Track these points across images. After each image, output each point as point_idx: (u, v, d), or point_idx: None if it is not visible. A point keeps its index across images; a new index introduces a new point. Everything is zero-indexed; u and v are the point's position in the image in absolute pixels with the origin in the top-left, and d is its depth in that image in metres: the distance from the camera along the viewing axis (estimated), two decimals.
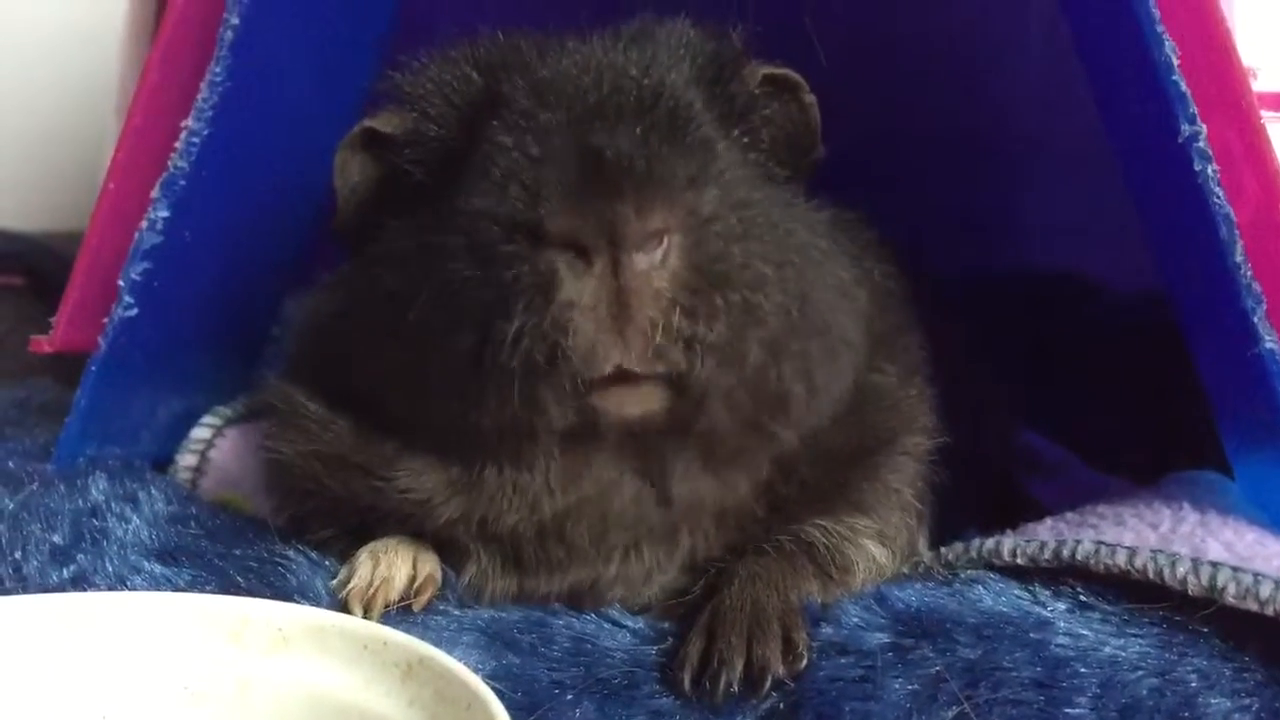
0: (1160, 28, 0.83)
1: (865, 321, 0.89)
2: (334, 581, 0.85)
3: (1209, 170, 0.83)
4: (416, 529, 0.87)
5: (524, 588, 0.87)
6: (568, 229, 0.73)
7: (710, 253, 0.76)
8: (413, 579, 0.84)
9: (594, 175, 0.73)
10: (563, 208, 0.73)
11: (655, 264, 0.74)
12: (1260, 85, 1.04)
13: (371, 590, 0.82)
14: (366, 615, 0.81)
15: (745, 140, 0.89)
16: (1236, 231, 0.83)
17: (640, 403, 0.78)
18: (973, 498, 1.06)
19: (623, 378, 0.76)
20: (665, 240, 0.74)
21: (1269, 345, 0.84)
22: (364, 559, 0.85)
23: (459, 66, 0.88)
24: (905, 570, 0.92)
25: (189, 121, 0.92)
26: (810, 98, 0.92)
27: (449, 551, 0.88)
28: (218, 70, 0.92)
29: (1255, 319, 0.84)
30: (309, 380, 0.91)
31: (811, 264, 0.83)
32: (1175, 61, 0.83)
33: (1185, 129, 0.83)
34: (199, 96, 0.92)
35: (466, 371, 0.77)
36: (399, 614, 0.82)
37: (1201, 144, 0.83)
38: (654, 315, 0.74)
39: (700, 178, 0.77)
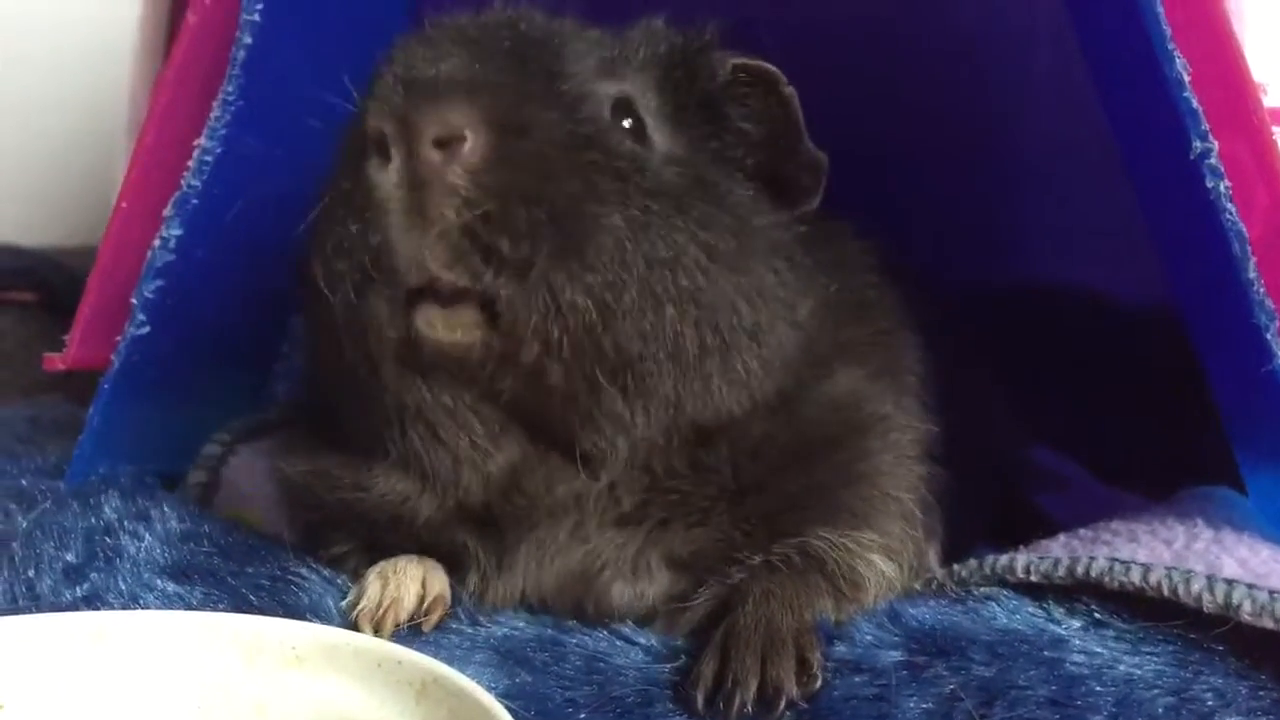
0: (1171, 45, 0.83)
1: (800, 332, 0.87)
2: (344, 602, 0.85)
3: (1221, 186, 0.83)
4: (414, 535, 0.87)
5: (526, 584, 0.87)
6: (374, 127, 0.75)
7: (518, 162, 0.75)
8: (422, 599, 0.84)
9: (403, 80, 0.76)
10: (374, 108, 0.75)
11: (448, 159, 0.74)
12: (1271, 101, 1.04)
13: (381, 611, 0.83)
14: (377, 636, 0.80)
15: (708, 131, 0.88)
16: (1249, 248, 0.83)
17: (453, 330, 0.77)
18: (983, 512, 1.06)
19: (439, 293, 0.76)
20: (468, 139, 0.74)
21: None
22: (373, 579, 0.85)
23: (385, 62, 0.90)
24: (918, 587, 0.92)
25: (202, 140, 0.93)
26: (789, 90, 0.88)
27: (453, 560, 0.88)
28: (230, 89, 0.92)
29: (1268, 335, 0.84)
30: (309, 396, 0.92)
31: (701, 239, 0.81)
32: (1187, 78, 0.83)
33: (1197, 145, 0.83)
34: (212, 115, 0.92)
35: (337, 312, 0.79)
36: (410, 634, 0.82)
37: (1213, 160, 0.83)
38: (449, 214, 0.74)
39: (532, 94, 0.77)
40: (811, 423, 0.88)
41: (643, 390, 0.80)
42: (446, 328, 0.77)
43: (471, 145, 0.74)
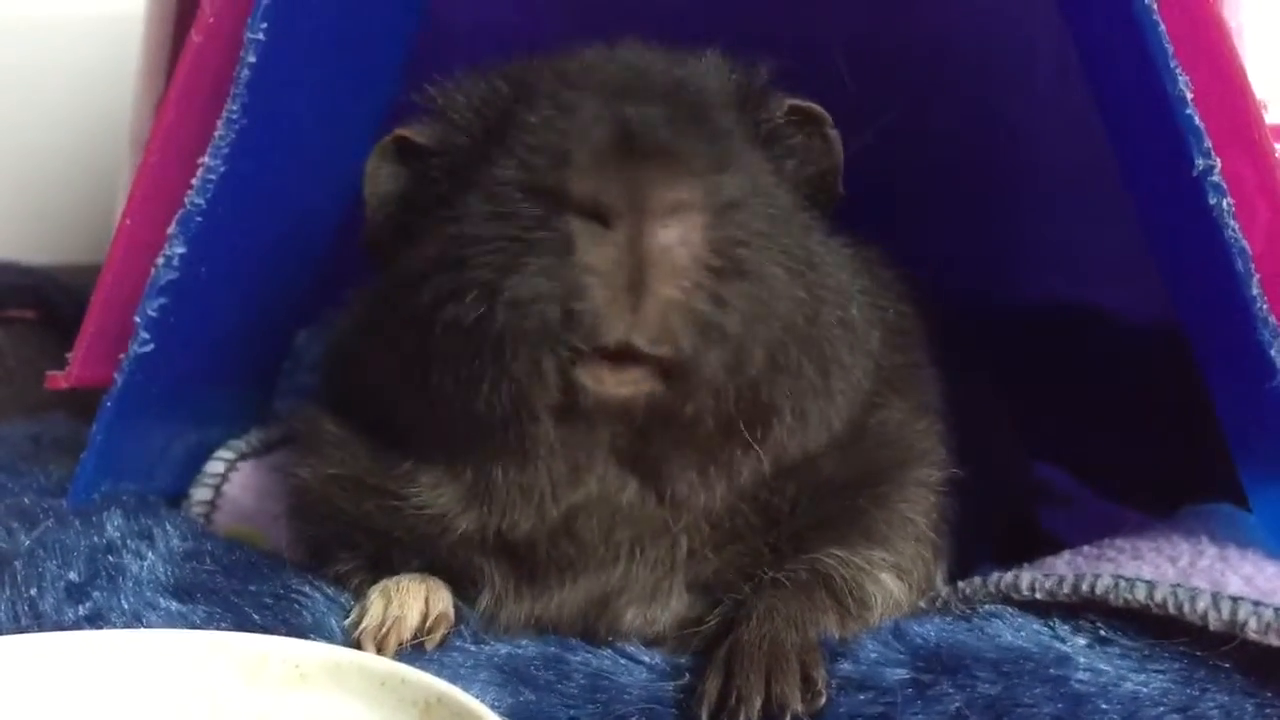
0: (1174, 62, 0.83)
1: (872, 362, 0.89)
2: (347, 621, 0.85)
3: (1224, 204, 0.83)
4: (432, 554, 0.86)
5: (537, 609, 0.86)
6: (591, 192, 0.72)
7: (733, 237, 0.75)
8: (425, 617, 0.84)
9: (621, 143, 0.73)
10: (587, 171, 0.73)
11: (676, 240, 0.73)
12: (1273, 118, 1.04)
13: (384, 629, 0.82)
14: (379, 654, 0.80)
15: (770, 166, 0.89)
16: (1252, 265, 0.83)
17: (622, 383, 0.77)
18: (987, 530, 1.06)
19: (620, 355, 0.75)
20: (688, 218, 0.74)
21: None
22: (376, 598, 0.85)
23: (489, 79, 0.90)
24: (922, 604, 0.92)
25: (206, 159, 0.93)
26: (834, 132, 0.92)
27: (463, 578, 0.87)
28: (234, 108, 0.92)
29: (1272, 352, 0.84)
30: (333, 403, 0.91)
31: (827, 289, 0.83)
32: (1189, 96, 0.83)
33: (1200, 163, 0.83)
34: (216, 134, 0.92)
35: (469, 345, 0.77)
36: (412, 653, 0.82)
37: (1216, 178, 0.83)
38: (672, 293, 0.73)
39: (725, 161, 0.77)
40: (869, 458, 0.89)
41: (768, 439, 0.82)
42: (617, 383, 0.77)
43: (694, 223, 0.74)
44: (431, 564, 0.88)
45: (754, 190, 0.79)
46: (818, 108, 0.92)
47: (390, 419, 0.87)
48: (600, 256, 0.72)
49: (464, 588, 0.88)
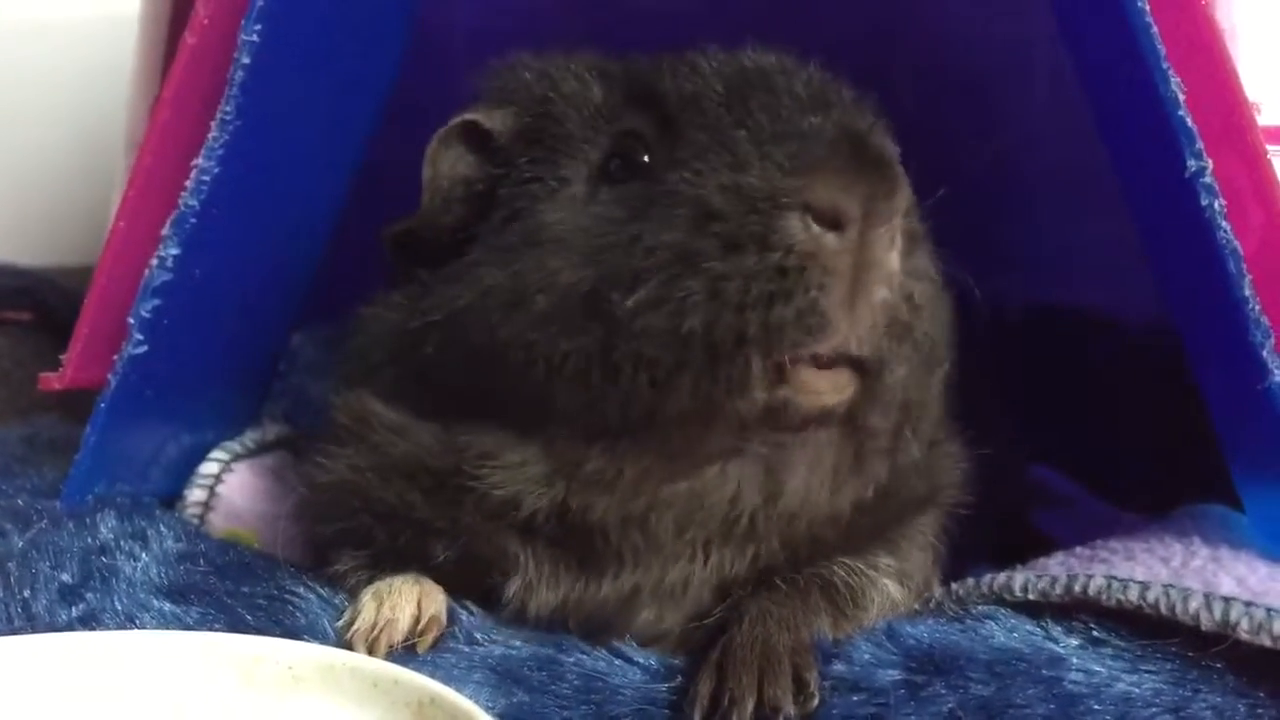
0: (1166, 64, 0.84)
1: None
2: (339, 623, 0.85)
3: (1216, 205, 0.84)
4: (466, 542, 0.86)
5: (570, 598, 0.86)
6: (831, 199, 0.75)
7: (915, 243, 0.81)
8: (417, 619, 0.84)
9: (851, 152, 0.76)
10: (826, 179, 0.75)
11: (889, 245, 0.77)
12: (1265, 120, 1.04)
13: (376, 631, 0.82)
14: (371, 656, 0.80)
15: None
16: (1244, 265, 0.84)
17: (837, 390, 0.79)
18: (983, 532, 1.06)
19: (827, 360, 0.78)
20: (895, 223, 0.77)
21: (1278, 379, 0.84)
22: (368, 599, 0.85)
23: (575, 69, 0.90)
24: (916, 606, 0.92)
25: (200, 160, 0.93)
26: None
27: (492, 568, 0.87)
28: (228, 109, 0.92)
29: (1264, 352, 0.84)
30: (383, 392, 0.90)
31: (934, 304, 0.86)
32: (1182, 97, 0.84)
33: (1192, 164, 0.84)
34: (210, 135, 0.92)
35: (674, 353, 0.77)
36: (405, 654, 0.82)
37: (1208, 179, 0.84)
38: (885, 295, 0.77)
39: (903, 176, 0.80)
40: (928, 476, 0.93)
41: (919, 440, 0.87)
42: (832, 389, 0.79)
43: (898, 229, 0.78)
44: (460, 555, 0.87)
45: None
46: None
47: (467, 402, 0.85)
48: (838, 259, 0.75)
49: (490, 576, 0.87)
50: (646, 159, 0.85)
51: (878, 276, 0.76)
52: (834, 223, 0.75)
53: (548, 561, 0.86)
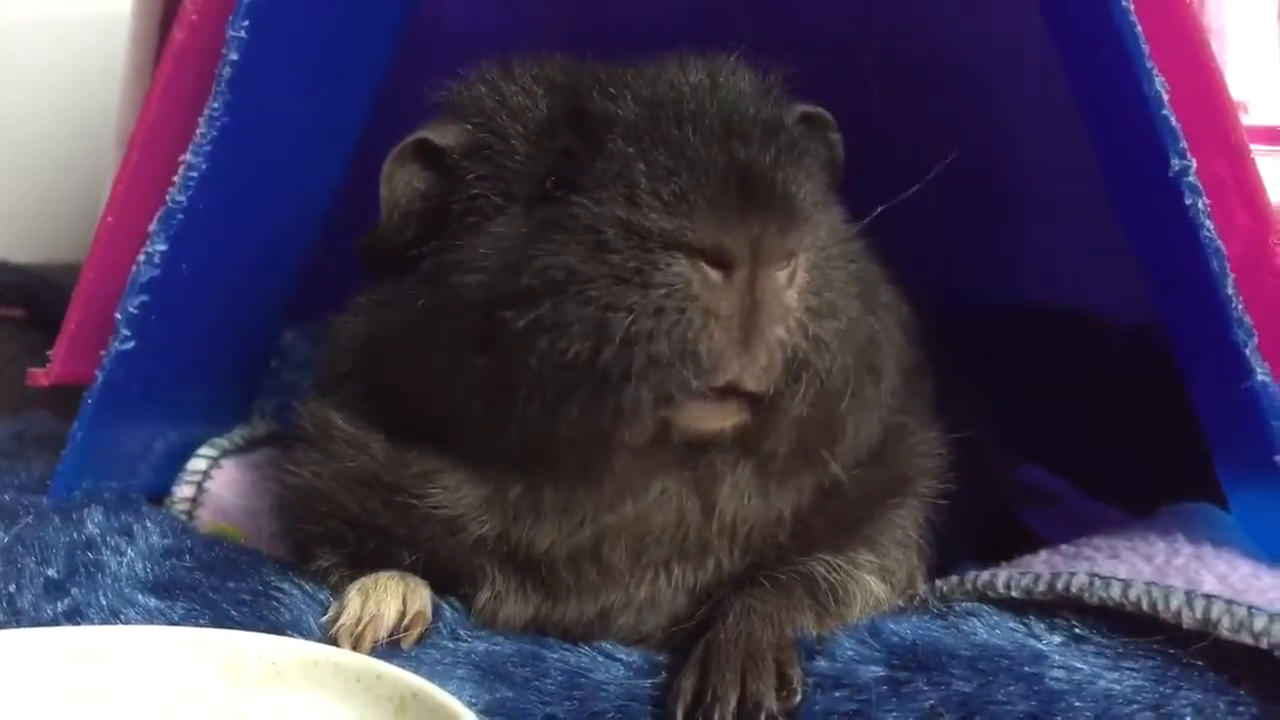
0: (1150, 63, 0.84)
1: (901, 366, 0.91)
2: (324, 618, 0.85)
3: (1199, 204, 0.84)
4: (431, 552, 0.86)
5: (540, 613, 0.87)
6: (714, 241, 0.74)
7: (827, 279, 0.79)
8: (402, 615, 0.84)
9: (739, 190, 0.75)
10: (709, 219, 0.74)
11: (785, 283, 0.76)
12: (1250, 120, 1.04)
13: (361, 626, 0.82)
14: (356, 651, 0.80)
15: None
16: (1227, 265, 0.84)
17: (720, 418, 0.79)
18: (970, 530, 1.06)
19: (722, 391, 0.78)
20: (793, 262, 0.76)
21: (1261, 378, 0.84)
22: (353, 595, 0.85)
23: (523, 83, 0.89)
24: (900, 603, 0.92)
25: (187, 156, 0.93)
26: (837, 136, 0.95)
27: (461, 577, 0.87)
28: (216, 106, 0.92)
29: (1247, 352, 0.84)
30: (345, 402, 0.91)
31: (884, 309, 0.86)
32: (1165, 96, 0.84)
33: (1176, 163, 0.84)
34: (197, 132, 0.93)
35: (561, 377, 0.77)
36: (389, 650, 0.82)
37: (1192, 178, 0.84)
38: (780, 334, 0.76)
39: (819, 206, 0.79)
40: (887, 473, 0.92)
41: (837, 456, 0.85)
42: (719, 417, 0.79)
43: (797, 268, 0.77)
44: (428, 562, 0.87)
45: (835, 225, 0.82)
46: (824, 112, 0.94)
47: (412, 419, 0.86)
48: (721, 301, 0.75)
49: (460, 585, 0.88)
50: (581, 179, 0.83)
51: (771, 317, 0.75)
52: (720, 263, 0.74)
53: (514, 577, 0.86)
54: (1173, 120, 0.84)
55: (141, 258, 0.94)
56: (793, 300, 0.76)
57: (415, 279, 0.89)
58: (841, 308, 0.80)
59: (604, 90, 0.85)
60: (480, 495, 0.84)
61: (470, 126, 0.89)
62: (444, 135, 0.90)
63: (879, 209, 0.87)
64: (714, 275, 0.74)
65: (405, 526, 0.86)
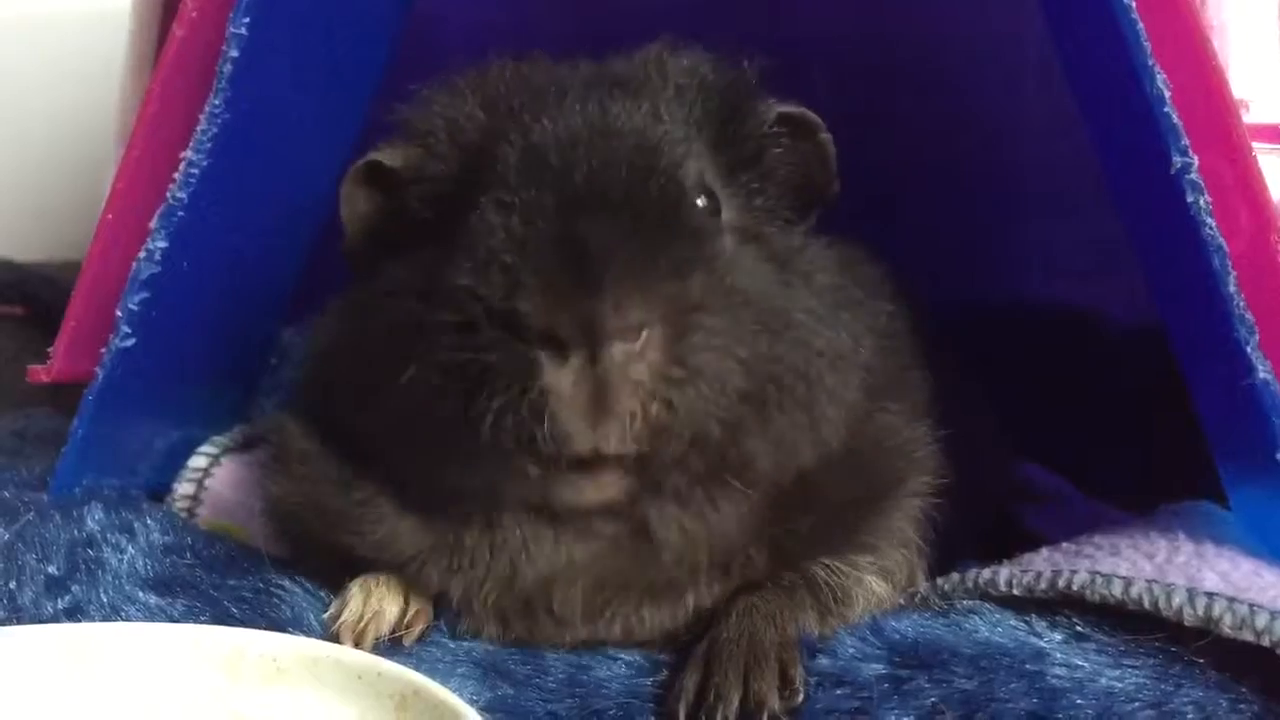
0: (1152, 60, 0.84)
1: (863, 374, 0.88)
2: (325, 615, 0.85)
3: (1201, 201, 0.84)
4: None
5: (521, 636, 0.86)
6: (545, 323, 0.73)
7: (689, 345, 0.75)
8: (404, 612, 0.84)
9: (572, 267, 0.73)
10: (540, 301, 0.73)
11: (634, 353, 0.73)
12: (1252, 117, 1.04)
13: (363, 623, 0.82)
14: (357, 648, 0.80)
15: (754, 185, 0.88)
16: (1229, 262, 0.84)
17: (599, 491, 0.78)
18: (970, 529, 1.06)
19: (590, 461, 0.77)
20: (644, 333, 0.74)
21: (1263, 376, 0.84)
22: (355, 592, 0.85)
23: (464, 102, 0.88)
24: (901, 601, 0.92)
25: (188, 152, 0.93)
26: (826, 137, 0.91)
27: (439, 601, 0.87)
28: (217, 102, 0.92)
29: (1248, 349, 0.84)
30: (307, 411, 0.91)
31: (803, 335, 0.82)
32: (1167, 94, 0.83)
33: (1177, 160, 0.84)
34: (198, 128, 0.92)
35: (448, 435, 0.78)
36: (391, 647, 0.82)
37: (1193, 175, 0.84)
38: (630, 406, 0.74)
39: (687, 264, 0.76)
40: (869, 474, 0.89)
41: (753, 481, 0.82)
42: (595, 490, 0.79)
43: (649, 337, 0.74)
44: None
45: (721, 277, 0.78)
46: (809, 115, 0.91)
47: (362, 444, 0.86)
48: (561, 380, 0.73)
49: (440, 606, 0.87)
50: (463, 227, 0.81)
51: (617, 393, 0.73)
52: (556, 345, 0.73)
53: (490, 608, 0.85)
54: (1174, 118, 0.83)
55: (142, 254, 0.94)
56: (642, 373, 0.74)
57: (360, 300, 0.89)
58: (713, 366, 0.76)
59: (509, 122, 0.83)
60: (416, 538, 0.84)
61: (416, 148, 0.89)
62: (393, 157, 0.90)
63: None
64: (553, 355, 0.73)
65: (369, 555, 0.86)
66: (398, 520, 0.84)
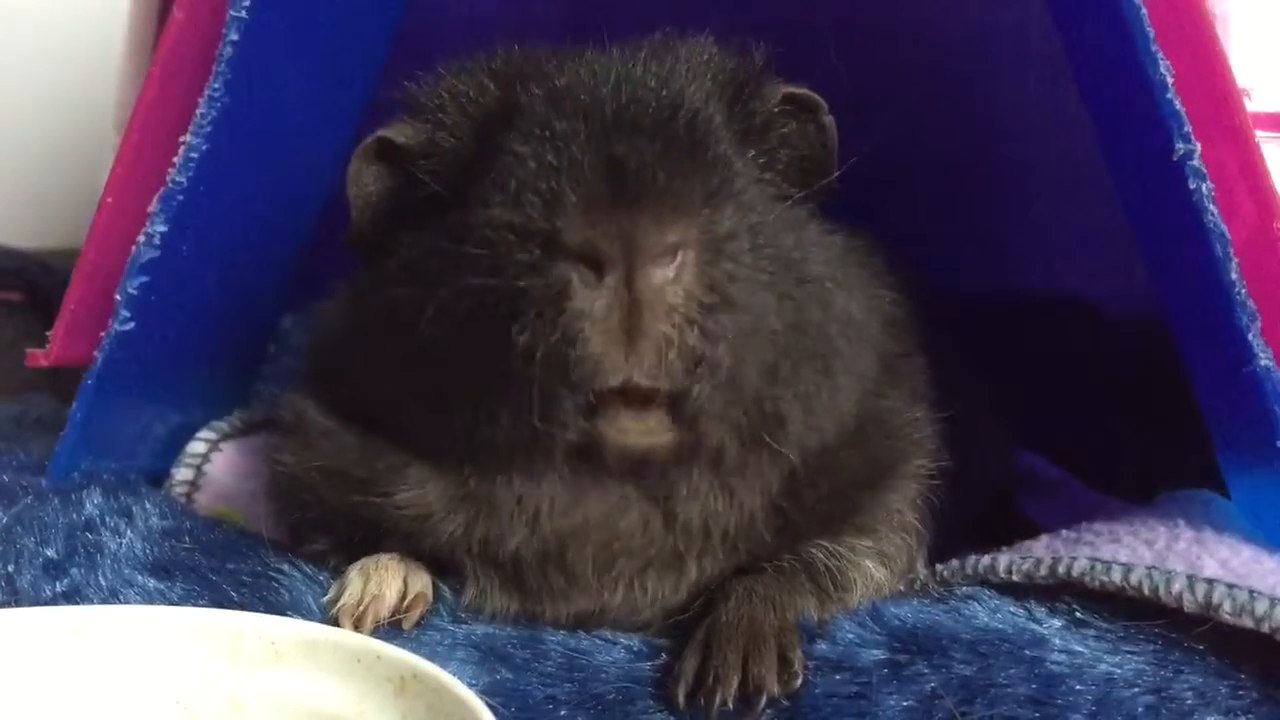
0: (1155, 46, 0.83)
1: (876, 350, 0.89)
2: (325, 598, 0.85)
3: (1203, 188, 0.84)
4: (415, 546, 0.86)
5: (525, 608, 0.86)
6: (583, 240, 0.73)
7: (723, 272, 0.76)
8: (403, 596, 0.84)
9: (612, 186, 0.73)
10: (579, 219, 0.73)
11: (669, 279, 0.74)
12: (1255, 105, 1.04)
13: (362, 607, 0.82)
14: (357, 632, 0.80)
15: (762, 160, 0.88)
16: (1231, 249, 0.84)
17: (646, 434, 0.78)
18: (970, 518, 1.06)
19: (628, 394, 0.76)
20: (680, 256, 0.74)
21: (1264, 363, 0.84)
22: (354, 576, 0.85)
23: (474, 77, 0.88)
24: (901, 587, 0.92)
25: (187, 136, 0.93)
26: (829, 119, 0.91)
27: (448, 570, 0.87)
28: (216, 86, 0.92)
29: (1250, 336, 0.84)
30: (320, 392, 0.91)
31: (820, 292, 0.83)
32: (1170, 80, 0.83)
33: (1180, 147, 0.84)
34: (197, 112, 0.92)
35: (480, 383, 0.77)
36: (390, 631, 0.82)
37: (1195, 162, 0.83)
38: (667, 330, 0.74)
39: (718, 195, 0.77)
40: (873, 454, 0.90)
41: (787, 441, 0.82)
42: (640, 433, 0.78)
43: (684, 262, 0.74)
44: (416, 551, 0.87)
45: (747, 214, 0.78)
46: (813, 95, 0.92)
47: (381, 414, 0.86)
48: (595, 303, 0.73)
49: (449, 576, 0.88)
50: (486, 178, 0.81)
51: (653, 315, 0.73)
52: (593, 263, 0.73)
53: (494, 576, 0.86)
54: (1177, 104, 0.83)
55: (141, 238, 0.94)
56: (677, 297, 0.74)
57: (375, 277, 0.89)
58: (745, 298, 0.77)
59: (523, 82, 0.84)
60: (446, 493, 0.84)
61: (425, 124, 0.89)
62: (402, 133, 0.90)
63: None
64: (588, 275, 0.73)
65: (387, 521, 0.86)
66: (426, 480, 0.84)
